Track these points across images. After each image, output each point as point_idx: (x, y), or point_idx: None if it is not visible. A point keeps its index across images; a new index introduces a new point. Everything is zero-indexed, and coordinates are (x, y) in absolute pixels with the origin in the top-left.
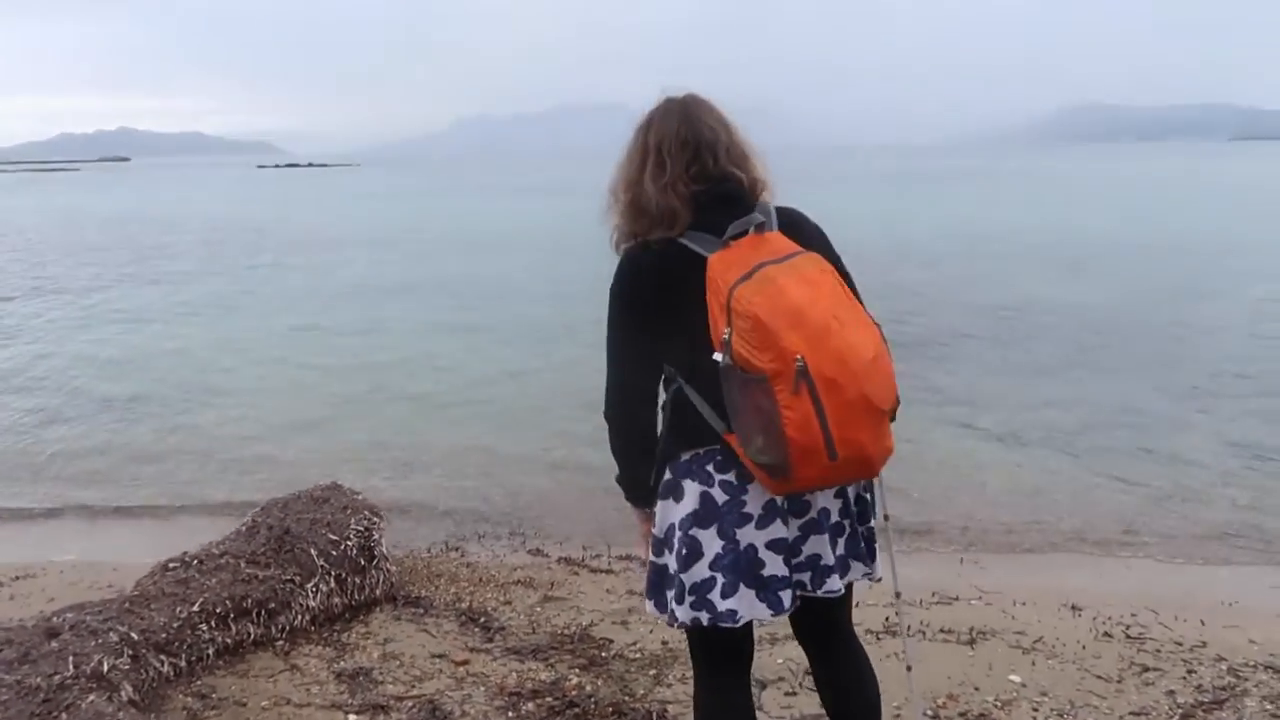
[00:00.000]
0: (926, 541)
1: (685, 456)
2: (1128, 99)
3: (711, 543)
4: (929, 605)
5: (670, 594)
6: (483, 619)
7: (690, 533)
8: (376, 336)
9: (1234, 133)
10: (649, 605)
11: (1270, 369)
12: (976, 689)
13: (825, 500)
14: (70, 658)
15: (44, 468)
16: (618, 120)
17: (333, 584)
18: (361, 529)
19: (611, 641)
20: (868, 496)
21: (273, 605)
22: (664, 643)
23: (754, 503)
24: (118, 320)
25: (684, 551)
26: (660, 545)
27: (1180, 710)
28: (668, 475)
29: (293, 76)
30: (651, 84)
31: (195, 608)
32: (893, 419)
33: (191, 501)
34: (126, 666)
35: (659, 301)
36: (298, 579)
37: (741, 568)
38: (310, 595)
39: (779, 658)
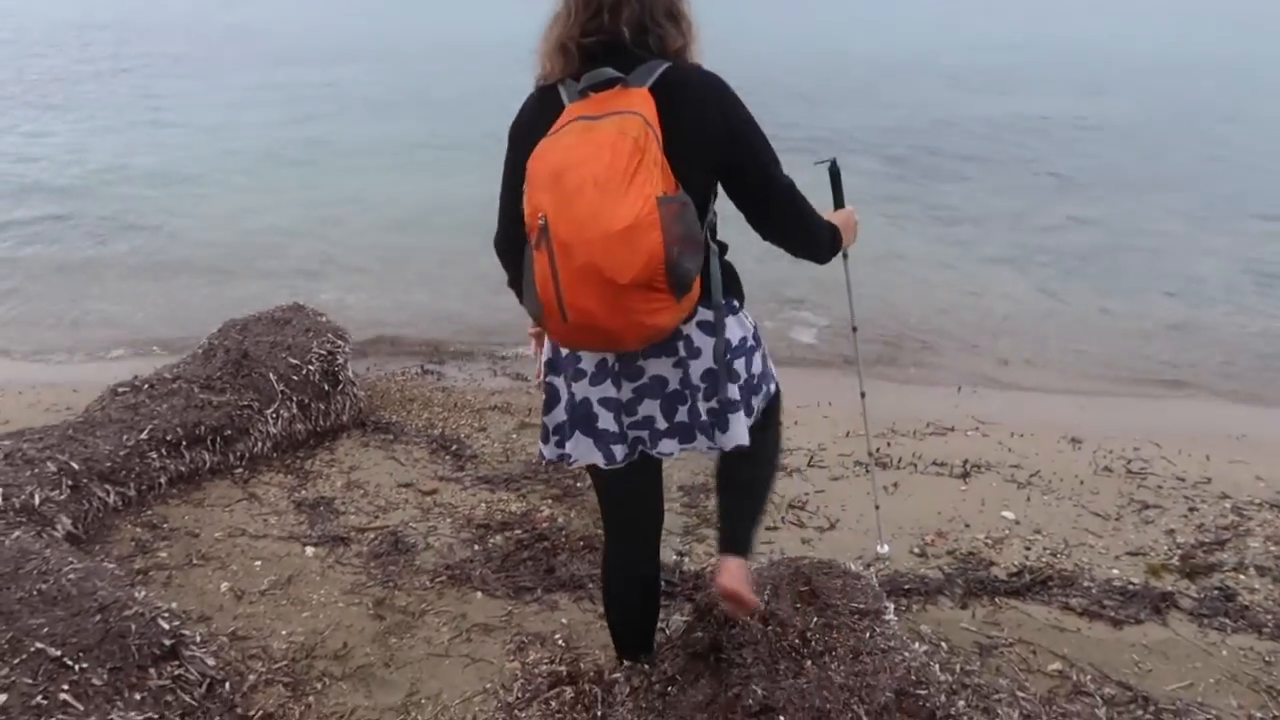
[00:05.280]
0: (923, 369)
1: None
2: None
3: (563, 390)
4: (923, 436)
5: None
6: (454, 446)
7: (548, 379)
8: (358, 149)
9: None
10: (539, 447)
11: None
12: (967, 525)
13: (660, 368)
14: None
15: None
16: None
17: (294, 410)
18: (324, 353)
19: (586, 471)
20: (715, 369)
21: (229, 432)
22: None
23: (588, 360)
24: (97, 127)
25: (545, 396)
26: (544, 389)
27: (1180, 550)
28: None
29: None
30: None
31: (144, 435)
32: (676, 291)
33: (146, 321)
34: (63, 498)
35: (526, 143)
36: (256, 404)
37: (578, 417)
38: (270, 421)
39: None
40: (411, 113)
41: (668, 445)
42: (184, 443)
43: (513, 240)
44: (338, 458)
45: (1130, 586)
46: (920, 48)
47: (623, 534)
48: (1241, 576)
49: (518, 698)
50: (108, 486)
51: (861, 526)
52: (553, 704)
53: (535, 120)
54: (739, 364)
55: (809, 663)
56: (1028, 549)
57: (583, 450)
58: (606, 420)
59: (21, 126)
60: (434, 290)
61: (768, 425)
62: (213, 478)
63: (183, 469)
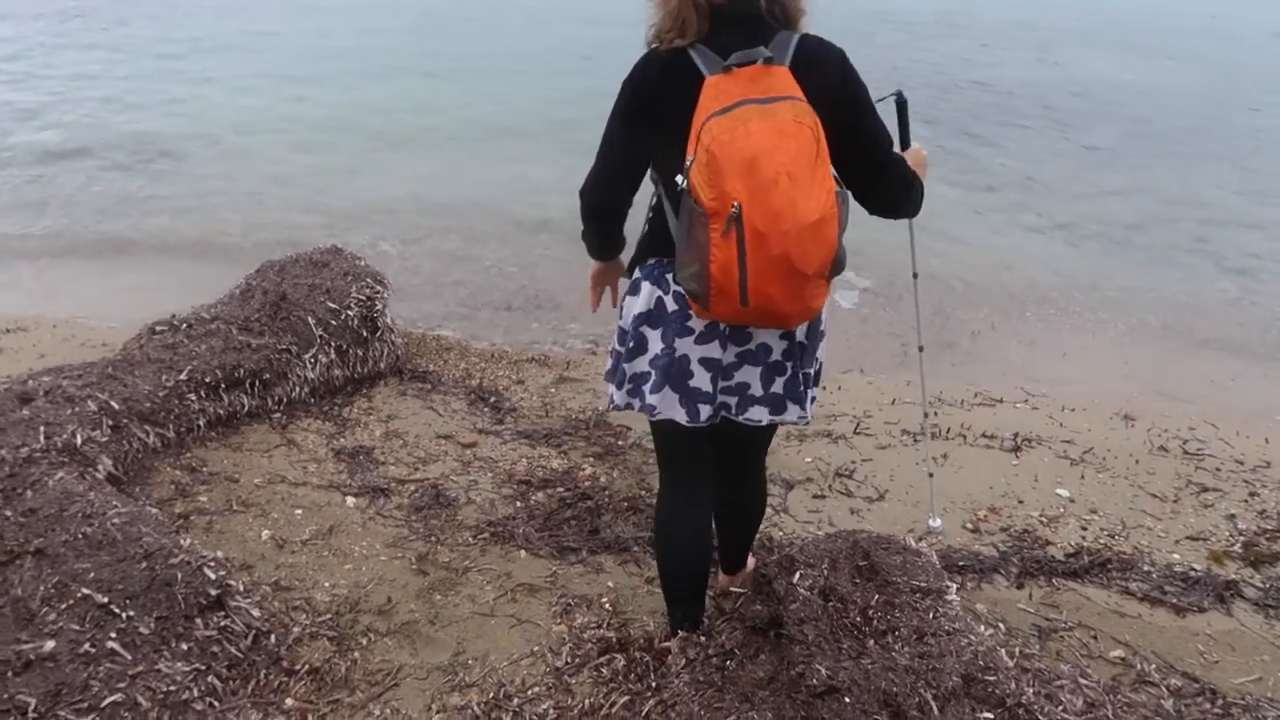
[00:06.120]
0: (969, 338)
1: (651, 261)
2: None
3: (655, 342)
4: (970, 406)
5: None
6: (493, 398)
7: (640, 329)
8: (394, 83)
9: None
10: (610, 390)
11: None
12: (1020, 502)
13: (768, 337)
14: (41, 428)
15: (44, 208)
16: None
17: (332, 355)
18: (364, 298)
19: (629, 429)
20: (806, 343)
21: (268, 376)
22: None
23: (698, 320)
24: (122, 56)
25: (632, 345)
26: (624, 337)
27: (1242, 537)
28: (636, 274)
29: None
30: None
31: (183, 376)
32: (832, 277)
33: (186, 253)
34: (104, 439)
35: (656, 107)
36: (294, 349)
37: (672, 373)
38: (308, 366)
39: (806, 456)
40: (437, 69)
41: (757, 413)
42: (222, 385)
43: (615, 197)
44: (375, 406)
45: (1192, 573)
46: (953, 5)
47: (679, 482)
48: None
49: (567, 663)
50: (147, 427)
51: (911, 498)
52: (604, 671)
53: (665, 85)
54: (819, 343)
55: (871, 642)
56: (1084, 529)
57: (666, 404)
58: (701, 379)
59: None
60: (469, 239)
61: (760, 475)
62: (250, 422)
63: (221, 412)
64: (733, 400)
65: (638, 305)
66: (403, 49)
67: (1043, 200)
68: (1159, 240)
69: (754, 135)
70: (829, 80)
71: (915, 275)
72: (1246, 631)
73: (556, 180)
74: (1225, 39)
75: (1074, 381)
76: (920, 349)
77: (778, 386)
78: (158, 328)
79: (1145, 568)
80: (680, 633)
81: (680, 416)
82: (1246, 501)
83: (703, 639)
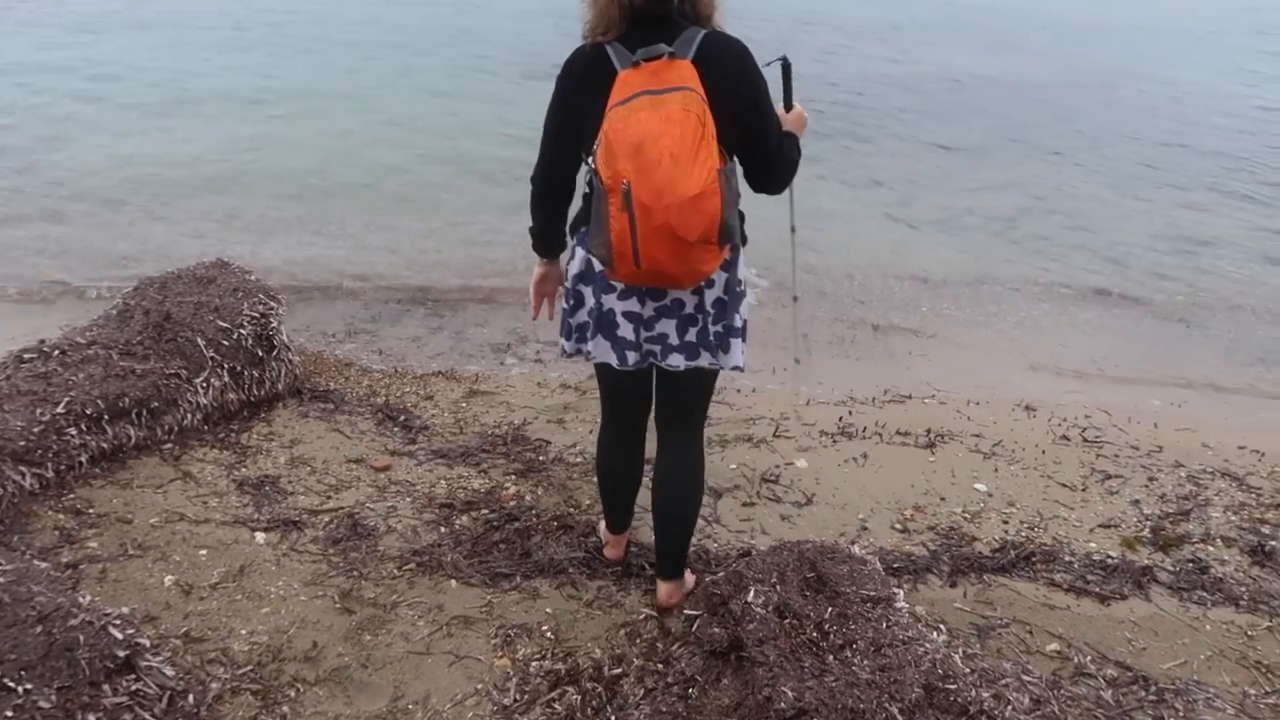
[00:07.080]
0: (868, 334)
1: (583, 229)
2: None
3: (589, 297)
4: (881, 404)
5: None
6: (402, 417)
7: (577, 287)
8: (269, 88)
9: None
10: (560, 341)
11: (1195, 157)
12: (943, 499)
13: (680, 293)
14: None
15: None
16: None
17: (226, 378)
18: (257, 314)
19: (548, 443)
20: (725, 299)
21: (156, 404)
22: None
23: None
24: None
25: (572, 301)
26: (567, 295)
27: (1149, 522)
28: (572, 240)
29: None
30: None
31: (60, 409)
32: (723, 243)
33: (45, 280)
34: None
35: (580, 98)
36: (184, 373)
37: (602, 323)
38: (200, 391)
39: (731, 462)
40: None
41: (675, 359)
42: (105, 416)
43: (556, 179)
44: (276, 430)
45: (1109, 561)
46: (803, 4)
47: (618, 418)
48: (1210, 548)
49: (515, 700)
50: (23, 468)
51: (839, 500)
52: (557, 707)
53: (586, 78)
54: (739, 302)
55: (831, 658)
56: (1005, 523)
57: (601, 350)
58: (626, 330)
59: None
60: (356, 243)
61: (695, 445)
62: (139, 455)
63: (105, 446)
64: (656, 348)
65: (574, 267)
66: (233, 55)
67: (921, 196)
68: (1033, 233)
69: (643, 123)
70: (728, 73)
71: (793, 230)
72: (1166, 616)
73: (441, 185)
74: (1059, 30)
75: (975, 375)
76: (795, 299)
77: (691, 336)
78: (25, 355)
79: (1066, 558)
80: (613, 533)
81: (612, 360)
82: (1147, 486)
83: (660, 666)
